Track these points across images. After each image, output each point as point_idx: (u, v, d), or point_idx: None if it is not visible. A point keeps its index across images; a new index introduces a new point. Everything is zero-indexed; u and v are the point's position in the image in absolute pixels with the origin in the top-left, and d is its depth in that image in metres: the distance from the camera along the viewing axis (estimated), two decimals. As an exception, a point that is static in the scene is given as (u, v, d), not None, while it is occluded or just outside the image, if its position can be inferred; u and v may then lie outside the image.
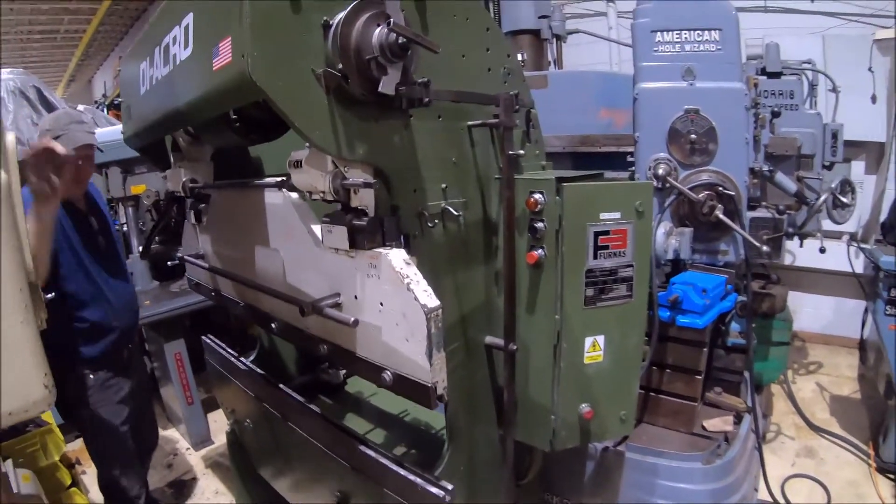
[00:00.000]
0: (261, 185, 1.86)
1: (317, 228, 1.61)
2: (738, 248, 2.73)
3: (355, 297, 1.50)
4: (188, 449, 4.01)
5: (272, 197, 1.81)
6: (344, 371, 2.69)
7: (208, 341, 2.57)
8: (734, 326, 2.76)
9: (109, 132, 3.77)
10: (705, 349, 2.50)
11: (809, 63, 4.31)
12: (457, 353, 1.73)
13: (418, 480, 1.56)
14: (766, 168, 2.90)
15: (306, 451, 2.02)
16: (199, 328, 3.40)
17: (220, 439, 4.00)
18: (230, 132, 1.83)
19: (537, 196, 1.73)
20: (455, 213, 1.64)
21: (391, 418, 2.50)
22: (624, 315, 1.88)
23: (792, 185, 2.96)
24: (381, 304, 1.42)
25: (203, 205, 2.34)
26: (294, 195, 1.68)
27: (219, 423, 4.03)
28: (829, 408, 4.07)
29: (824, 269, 4.70)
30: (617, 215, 1.81)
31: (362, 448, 1.72)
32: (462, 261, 1.75)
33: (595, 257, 1.79)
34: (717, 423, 2.59)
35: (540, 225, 1.75)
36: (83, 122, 2.57)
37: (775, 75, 3.70)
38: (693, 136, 2.69)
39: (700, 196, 2.62)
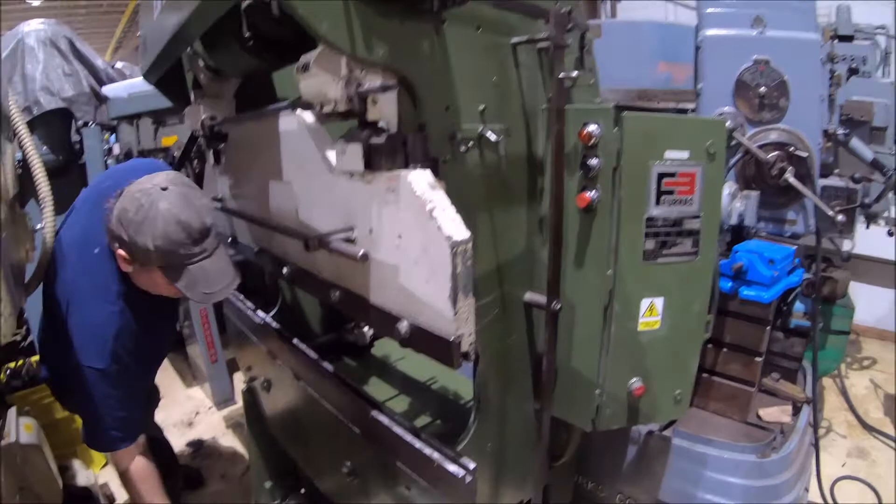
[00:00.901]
0: (274, 109, 1.55)
1: (331, 154, 1.29)
2: (808, 217, 2.34)
3: (370, 230, 1.19)
4: (210, 408, 3.80)
5: (286, 122, 1.50)
6: (371, 332, 2.38)
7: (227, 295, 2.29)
8: (798, 307, 2.35)
9: (140, 82, 3.53)
10: (768, 328, 2.11)
11: (883, 28, 3.79)
12: (490, 309, 1.41)
13: (436, 455, 1.26)
14: (841, 132, 2.47)
15: (317, 413, 1.74)
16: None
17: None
18: (244, 53, 1.52)
19: (592, 128, 1.37)
20: (495, 137, 1.30)
21: (417, 385, 2.19)
22: (687, 275, 1.53)
23: (868, 153, 2.53)
24: (400, 236, 1.10)
25: (222, 144, 2.06)
26: (308, 117, 1.37)
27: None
28: (884, 407, 3.63)
29: (882, 259, 4.20)
30: (685, 155, 1.45)
31: (375, 413, 1.41)
32: (500, 200, 1.41)
33: (658, 203, 1.44)
34: (775, 413, 2.21)
35: (594, 162, 1.40)
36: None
37: (846, 38, 3.23)
38: (763, 89, 2.30)
39: (769, 156, 2.22)
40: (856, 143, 2.51)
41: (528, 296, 1.52)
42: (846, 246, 2.83)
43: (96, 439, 1.84)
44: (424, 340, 1.08)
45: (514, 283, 1.49)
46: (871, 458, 3.13)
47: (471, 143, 1.27)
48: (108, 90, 3.50)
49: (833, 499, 2.70)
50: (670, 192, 1.46)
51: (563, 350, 1.51)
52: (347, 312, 1.62)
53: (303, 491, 2.75)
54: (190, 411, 3.81)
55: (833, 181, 2.44)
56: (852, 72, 2.75)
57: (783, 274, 2.12)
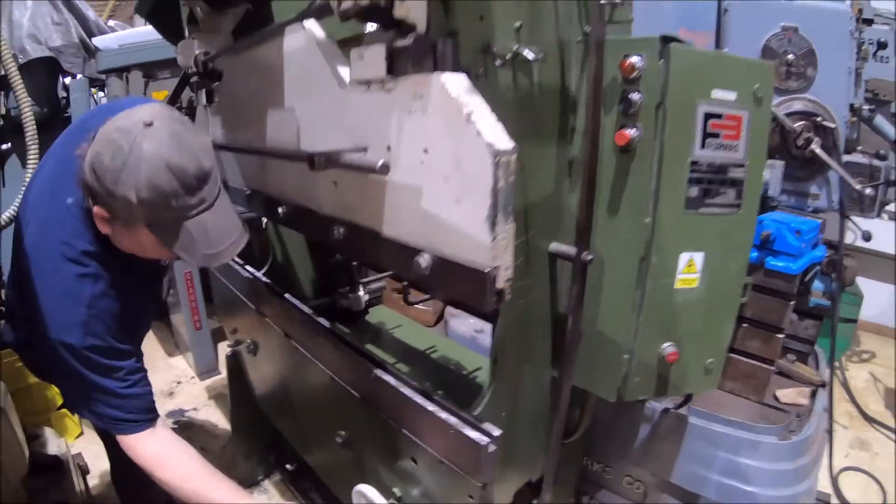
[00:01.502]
0: (279, 25, 1.34)
1: (343, 69, 1.09)
2: (832, 192, 2.17)
3: (388, 148, 0.98)
4: (193, 378, 3.57)
5: (291, 40, 1.29)
6: (367, 297, 2.17)
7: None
8: (816, 285, 2.19)
9: (131, 34, 3.29)
10: (792, 302, 1.94)
11: (903, 14, 3.63)
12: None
13: (452, 420, 1.07)
14: (867, 107, 2.31)
15: (309, 377, 1.55)
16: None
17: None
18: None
19: (635, 59, 1.18)
20: (533, 56, 1.10)
21: (415, 354, 2.00)
22: (728, 230, 1.35)
23: (892, 131, 2.37)
24: (426, 151, 0.91)
25: (216, 83, 1.84)
26: (318, 30, 1.17)
27: (228, 354, 3.58)
28: (884, 400, 3.51)
29: (882, 253, 4.07)
30: (732, 96, 1.27)
31: (378, 373, 1.22)
32: (530, 134, 1.22)
33: (703, 146, 1.26)
34: (792, 395, 2.05)
35: (635, 96, 1.21)
36: None
37: (867, 22, 3.08)
38: (790, 56, 2.12)
39: (796, 125, 2.05)
40: (880, 120, 2.36)
41: (554, 246, 1.33)
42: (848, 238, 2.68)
43: (92, 416, 1.49)
44: (450, 276, 0.88)
45: (539, 232, 1.30)
46: (874, 451, 3.00)
47: (507, 57, 1.07)
48: (98, 41, 3.24)
49: (839, 490, 2.56)
50: (716, 136, 1.29)
51: (588, 310, 1.33)
52: (351, 253, 1.39)
53: (288, 467, 2.56)
54: (171, 381, 3.57)
55: (856, 157, 2.28)
56: (881, 46, 2.59)
57: (808, 248, 1.95)
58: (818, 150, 2.06)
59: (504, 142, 0.81)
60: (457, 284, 0.87)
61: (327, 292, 2.24)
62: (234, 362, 2.23)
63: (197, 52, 1.77)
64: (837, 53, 2.16)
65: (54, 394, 2.81)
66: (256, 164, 1.51)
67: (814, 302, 2.16)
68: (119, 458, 1.95)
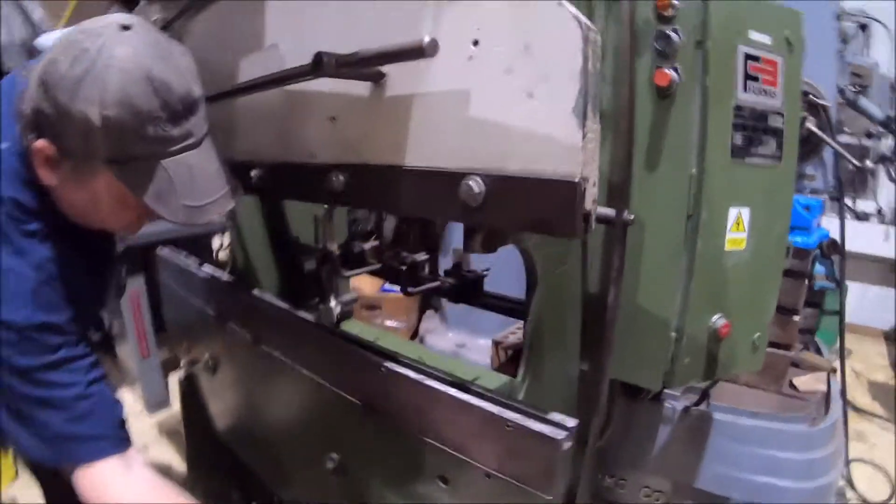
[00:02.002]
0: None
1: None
2: (827, 172, 2.06)
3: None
4: (141, 412, 3.13)
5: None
6: (339, 309, 1.87)
7: (163, 253, 1.74)
8: (818, 269, 2.06)
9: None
10: (806, 281, 1.79)
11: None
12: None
13: (508, 413, 0.79)
14: (852, 88, 2.23)
15: (284, 387, 1.25)
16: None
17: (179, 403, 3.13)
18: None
19: (672, -5, 1.01)
20: None
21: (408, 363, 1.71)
22: (771, 184, 1.18)
23: (878, 111, 2.30)
24: (476, 43, 0.66)
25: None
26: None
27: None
28: (870, 393, 3.49)
29: (851, 252, 4.08)
30: (767, 39, 1.12)
31: (389, 366, 0.94)
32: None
33: (745, 89, 1.09)
34: (810, 382, 1.88)
35: (673, 35, 1.02)
36: None
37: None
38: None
39: (791, 102, 1.93)
40: (865, 101, 2.29)
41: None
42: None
43: (32, 442, 1.03)
44: (516, 198, 0.64)
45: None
46: (871, 442, 2.93)
47: None
48: (40, 41, 2.91)
49: (851, 482, 2.43)
50: (756, 79, 1.12)
51: (628, 280, 1.10)
52: (357, 201, 1.01)
53: (253, 508, 2.18)
54: (115, 417, 3.10)
55: (844, 139, 2.19)
56: (862, 28, 2.55)
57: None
58: (813, 129, 1.95)
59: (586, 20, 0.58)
60: (527, 207, 0.63)
61: (295, 304, 1.94)
62: (189, 387, 1.88)
63: (154, 17, 1.50)
64: (823, 34, 2.09)
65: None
66: (224, 126, 1.22)
67: (819, 285, 2.02)
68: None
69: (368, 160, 0.82)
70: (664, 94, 1.06)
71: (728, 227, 1.11)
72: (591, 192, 0.61)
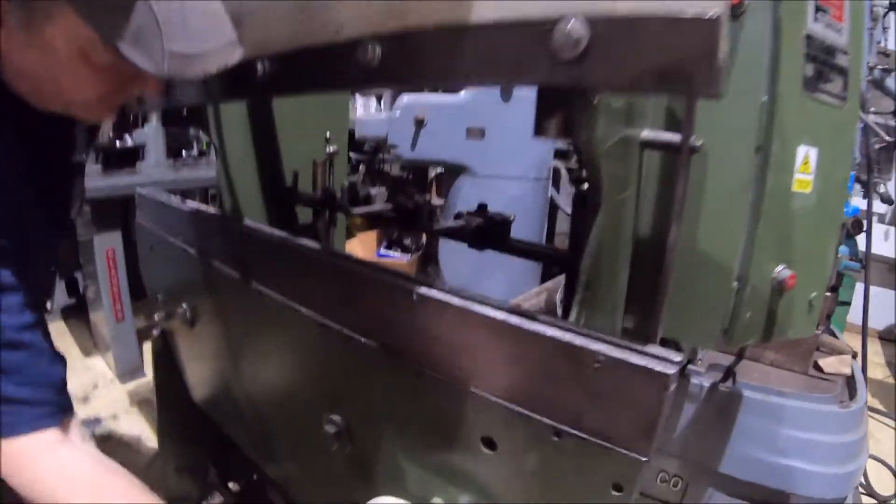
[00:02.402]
0: None
1: None
2: (854, 149, 1.94)
3: None
4: (112, 380, 2.92)
5: None
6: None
7: (142, 191, 1.53)
8: (842, 249, 1.94)
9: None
10: (838, 256, 1.65)
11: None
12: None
13: (596, 346, 0.61)
14: (879, 66, 2.11)
15: (277, 333, 1.05)
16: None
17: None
18: None
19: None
20: None
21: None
22: (837, 125, 1.04)
23: (902, 94, 2.19)
24: None
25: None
26: None
27: (155, 355, 2.94)
28: (870, 390, 3.38)
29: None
30: (833, -29, 0.98)
31: (423, 291, 0.74)
32: None
33: (815, 20, 0.96)
34: (835, 364, 1.75)
35: (746, -51, 0.88)
36: None
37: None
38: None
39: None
40: (891, 81, 2.17)
41: (647, 133, 0.93)
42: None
43: None
44: (630, 44, 0.46)
45: (632, 117, 0.90)
46: (875, 437, 2.83)
47: None
48: None
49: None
50: (825, 11, 0.99)
51: (684, 224, 0.94)
52: (398, 76, 0.73)
53: (232, 486, 1.99)
54: (87, 384, 2.89)
55: (871, 118, 2.07)
56: (892, 7, 2.42)
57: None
58: (843, 101, 1.83)
59: None
60: (644, 57, 0.46)
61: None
62: (163, 345, 1.67)
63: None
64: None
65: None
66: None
67: (844, 265, 1.89)
68: None
69: (416, 22, 0.63)
70: (736, 13, 0.90)
71: (797, 165, 0.97)
72: (724, 44, 0.44)
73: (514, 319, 0.64)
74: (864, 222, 1.88)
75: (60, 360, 0.88)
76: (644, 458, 0.56)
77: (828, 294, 1.70)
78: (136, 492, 0.86)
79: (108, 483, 0.84)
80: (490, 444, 0.69)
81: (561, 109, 0.65)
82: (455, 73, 0.59)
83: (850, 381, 1.74)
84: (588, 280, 0.83)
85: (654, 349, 0.58)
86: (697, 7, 0.45)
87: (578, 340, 0.60)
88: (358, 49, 0.68)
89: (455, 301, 0.69)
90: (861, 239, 1.96)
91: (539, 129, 0.66)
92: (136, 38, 0.64)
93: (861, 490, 2.25)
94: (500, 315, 0.65)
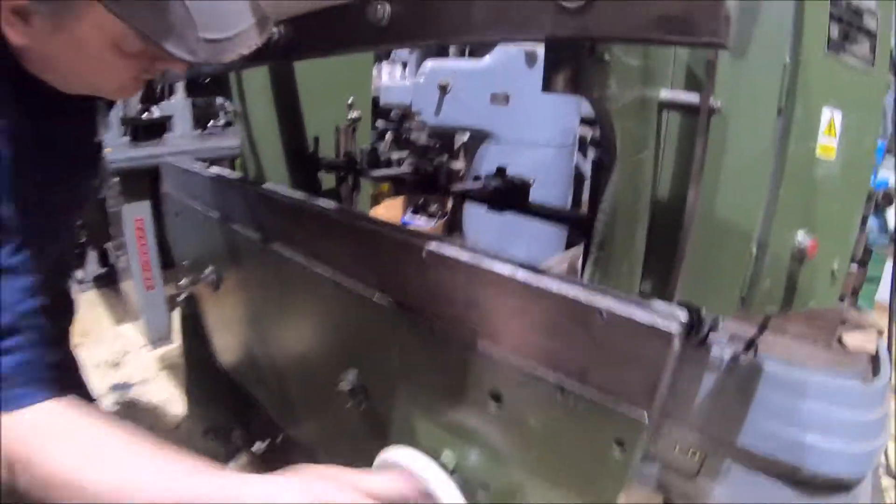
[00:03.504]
0: None
1: None
2: (887, 122, 1.87)
3: None
4: (143, 346, 3.02)
5: None
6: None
7: (168, 161, 1.57)
8: (871, 223, 1.89)
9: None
10: (865, 227, 1.62)
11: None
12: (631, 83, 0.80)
13: (604, 301, 0.61)
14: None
15: (299, 292, 1.08)
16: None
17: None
18: None
19: None
20: None
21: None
22: (864, 89, 1.02)
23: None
24: None
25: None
26: None
27: (184, 322, 3.04)
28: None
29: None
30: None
31: (435, 247, 0.76)
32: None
33: None
34: (859, 340, 1.71)
35: None
36: None
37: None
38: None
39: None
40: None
41: (666, 93, 0.92)
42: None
43: None
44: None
45: (649, 77, 0.89)
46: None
47: None
48: None
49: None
50: None
51: (703, 187, 0.93)
52: (410, 36, 0.66)
53: (257, 447, 2.05)
54: (118, 351, 2.99)
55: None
56: None
57: (880, 169, 1.64)
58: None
59: None
60: (649, 3, 0.45)
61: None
62: (190, 309, 1.73)
63: None
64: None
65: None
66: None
67: (872, 239, 1.85)
68: None
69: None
70: (759, -27, 0.88)
71: (821, 130, 0.94)
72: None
73: (521, 275, 0.65)
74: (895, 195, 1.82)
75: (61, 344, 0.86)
76: (646, 417, 0.57)
77: (853, 267, 1.67)
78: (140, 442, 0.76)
79: (111, 434, 0.76)
80: (497, 398, 0.71)
81: (569, 63, 0.65)
82: (463, 29, 0.60)
83: (874, 358, 1.72)
84: (602, 240, 0.84)
85: (660, 305, 0.58)
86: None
87: (583, 296, 0.60)
88: (367, 9, 0.69)
89: (464, 257, 0.71)
90: (891, 213, 1.89)
91: (547, 85, 0.66)
92: (168, 30, 0.67)
93: (883, 472, 2.21)
94: (507, 271, 0.67)
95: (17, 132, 0.76)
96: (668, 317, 0.55)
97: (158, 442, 0.75)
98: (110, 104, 1.15)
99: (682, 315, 0.56)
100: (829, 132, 0.96)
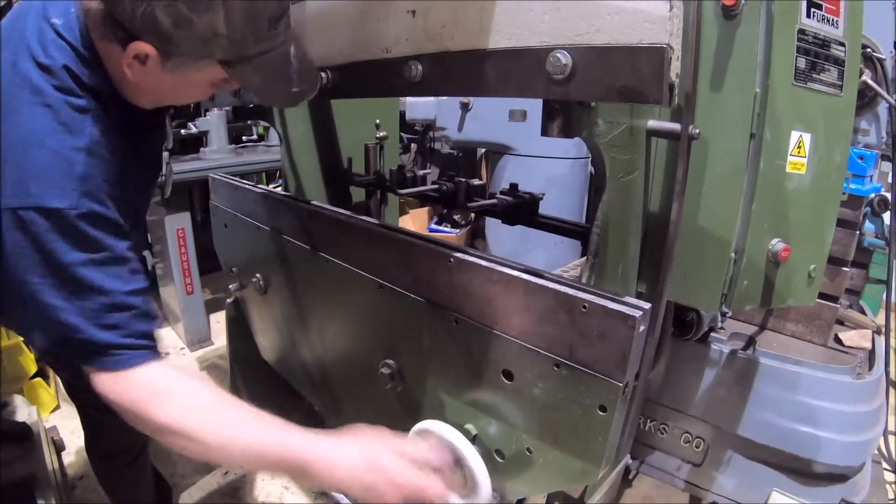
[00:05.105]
0: None
1: None
2: (881, 127, 2.01)
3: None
4: (183, 349, 3.25)
5: None
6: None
7: (215, 176, 1.79)
8: (867, 226, 2.03)
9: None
10: (858, 232, 1.77)
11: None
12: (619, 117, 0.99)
13: (583, 295, 0.80)
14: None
15: (341, 295, 1.28)
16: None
17: (220, 340, 3.24)
18: None
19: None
20: None
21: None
22: (832, 113, 1.18)
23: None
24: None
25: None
26: None
27: (221, 325, 3.23)
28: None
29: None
30: (825, -30, 1.12)
31: (459, 256, 0.95)
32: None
33: (808, 15, 1.11)
34: (856, 338, 1.86)
35: (740, -44, 1.03)
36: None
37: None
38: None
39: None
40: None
41: (653, 123, 1.10)
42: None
43: (63, 349, 0.91)
44: (605, 67, 0.65)
45: (637, 111, 1.07)
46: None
47: None
48: None
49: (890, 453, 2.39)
50: (819, 7, 1.13)
51: (687, 203, 1.10)
52: (436, 88, 0.95)
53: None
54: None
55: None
56: None
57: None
58: (870, 82, 1.91)
59: None
60: (614, 77, 0.64)
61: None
62: (236, 311, 1.95)
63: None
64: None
65: (28, 360, 2.48)
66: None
67: (868, 241, 1.99)
68: (96, 426, 1.57)
69: (449, 47, 0.83)
70: (730, 15, 1.06)
71: (790, 149, 1.11)
72: (675, 66, 0.62)
73: (525, 276, 0.84)
74: (890, 200, 1.96)
75: (156, 311, 1.01)
76: (620, 384, 0.76)
77: (845, 269, 1.81)
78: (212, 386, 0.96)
79: (207, 391, 0.93)
80: (509, 375, 0.90)
81: (560, 114, 0.84)
82: (478, 88, 0.79)
83: (871, 354, 1.85)
84: (596, 249, 1.02)
85: (629, 299, 0.77)
86: (653, 40, 0.63)
87: (571, 291, 0.79)
88: (403, 67, 0.89)
89: (482, 262, 0.90)
90: (887, 217, 2.03)
91: (544, 130, 0.85)
92: (267, 85, 0.90)
93: (885, 467, 2.32)
94: (514, 272, 0.86)
95: (121, 146, 0.93)
96: (633, 307, 0.74)
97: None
98: (173, 116, 1.37)
99: (645, 305, 0.75)
100: (798, 151, 1.13)
